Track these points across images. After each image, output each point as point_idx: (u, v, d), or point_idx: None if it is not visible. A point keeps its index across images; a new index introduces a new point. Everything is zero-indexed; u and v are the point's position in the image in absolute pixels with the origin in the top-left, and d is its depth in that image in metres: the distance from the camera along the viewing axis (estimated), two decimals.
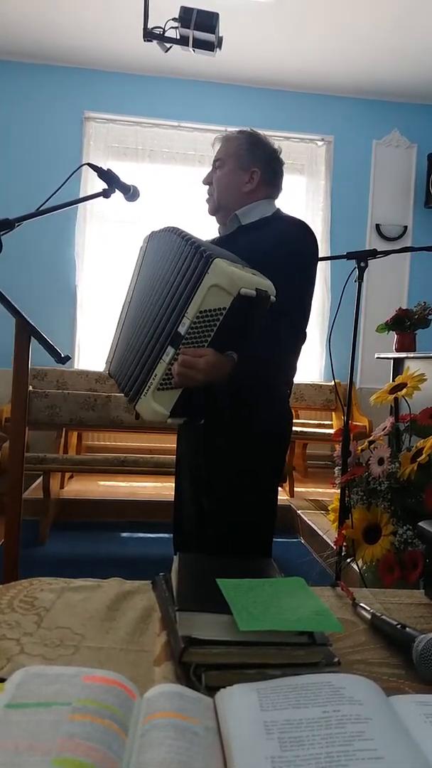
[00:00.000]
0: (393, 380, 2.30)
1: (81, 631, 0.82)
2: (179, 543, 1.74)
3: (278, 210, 1.64)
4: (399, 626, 0.81)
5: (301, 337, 1.53)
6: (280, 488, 4.49)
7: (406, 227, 5.42)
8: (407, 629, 0.80)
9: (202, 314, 1.25)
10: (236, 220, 1.61)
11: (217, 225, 1.71)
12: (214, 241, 1.63)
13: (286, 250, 1.47)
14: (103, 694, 0.57)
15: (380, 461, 1.98)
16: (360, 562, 1.93)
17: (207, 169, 1.70)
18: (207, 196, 1.68)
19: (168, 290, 1.34)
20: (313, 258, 1.54)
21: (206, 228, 1.75)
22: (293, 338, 1.50)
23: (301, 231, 1.54)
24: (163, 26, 2.99)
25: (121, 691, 0.58)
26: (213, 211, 1.68)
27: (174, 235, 1.40)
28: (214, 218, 1.71)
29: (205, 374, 1.25)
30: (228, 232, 1.64)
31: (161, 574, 0.91)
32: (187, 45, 2.99)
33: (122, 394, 1.46)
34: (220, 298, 1.23)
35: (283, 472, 1.66)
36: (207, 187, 1.68)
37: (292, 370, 1.59)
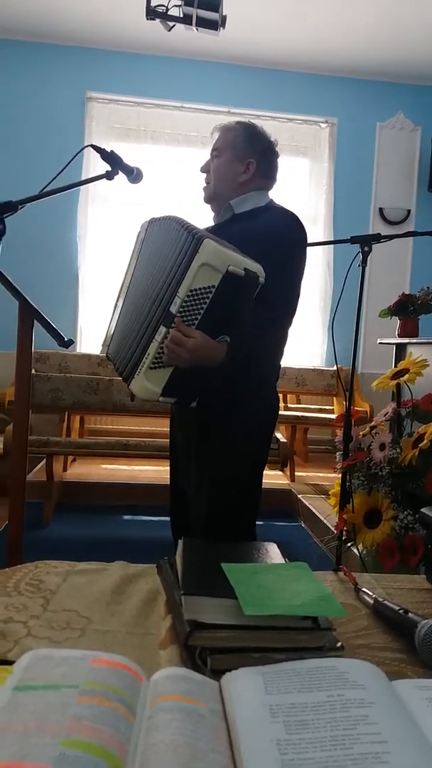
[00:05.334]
0: (395, 365, 2.30)
1: (87, 614, 0.82)
2: (176, 525, 1.78)
3: (271, 201, 1.69)
4: (401, 611, 0.82)
5: (287, 325, 1.58)
6: (281, 472, 4.51)
7: (409, 211, 5.38)
8: (409, 614, 0.81)
9: (193, 293, 1.30)
10: (230, 209, 1.66)
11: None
12: (208, 230, 1.65)
13: (275, 238, 1.53)
14: (111, 676, 0.57)
15: (381, 446, 1.99)
16: (360, 547, 1.94)
17: (209, 151, 1.72)
18: (204, 184, 1.72)
19: (163, 273, 1.39)
20: (301, 246, 1.60)
21: (205, 212, 1.77)
22: (279, 323, 1.55)
23: (290, 221, 1.59)
24: (166, 4, 2.95)
25: (128, 674, 0.59)
26: (208, 200, 1.72)
27: (173, 222, 1.45)
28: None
29: (192, 354, 1.32)
30: (221, 220, 1.69)
31: (166, 557, 0.92)
32: (191, 24, 2.95)
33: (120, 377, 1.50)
34: (210, 276, 1.29)
35: (268, 455, 1.72)
36: (204, 174, 1.71)
37: (279, 354, 1.65)
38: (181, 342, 1.31)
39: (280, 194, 1.75)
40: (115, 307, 1.68)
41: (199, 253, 1.28)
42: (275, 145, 1.71)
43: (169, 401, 1.42)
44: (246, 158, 1.65)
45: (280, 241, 1.53)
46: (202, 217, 1.73)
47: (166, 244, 1.45)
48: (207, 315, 1.32)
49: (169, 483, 1.81)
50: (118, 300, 1.67)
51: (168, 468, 1.82)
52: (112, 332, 1.66)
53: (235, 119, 1.75)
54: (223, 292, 1.31)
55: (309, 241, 1.64)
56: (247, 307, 1.36)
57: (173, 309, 1.32)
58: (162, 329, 1.34)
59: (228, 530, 1.54)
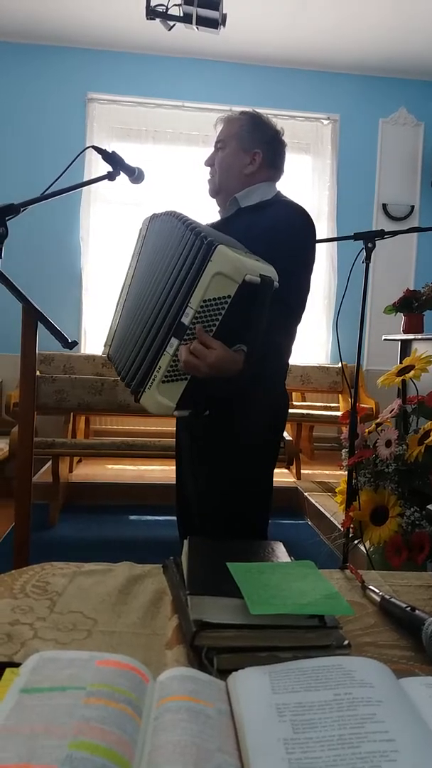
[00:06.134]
0: (400, 362, 2.29)
1: (93, 615, 0.83)
2: (183, 524, 1.76)
3: (278, 193, 1.63)
4: (408, 609, 0.82)
5: (296, 322, 1.53)
6: (287, 470, 4.50)
7: (413, 207, 5.36)
8: (417, 612, 0.80)
9: (206, 303, 1.21)
10: (235, 203, 1.61)
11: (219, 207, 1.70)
12: (214, 224, 1.62)
13: (282, 233, 1.47)
14: (117, 678, 0.57)
15: (387, 443, 1.98)
16: (367, 544, 1.94)
17: (211, 149, 1.68)
18: (209, 177, 1.67)
19: (169, 277, 1.32)
20: (309, 242, 1.54)
21: (209, 210, 1.74)
22: (289, 322, 1.49)
23: (297, 215, 1.53)
24: (166, 4, 2.95)
25: (134, 675, 0.59)
26: (214, 193, 1.67)
27: (175, 220, 1.38)
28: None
29: (213, 369, 1.23)
30: (227, 214, 1.64)
31: (172, 557, 0.92)
32: (191, 23, 2.95)
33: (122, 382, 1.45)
34: (225, 286, 1.19)
35: (278, 454, 1.67)
36: (209, 168, 1.67)
37: (288, 353, 1.60)
38: (202, 355, 1.22)
39: (283, 191, 1.71)
40: (117, 306, 1.65)
41: (212, 261, 1.19)
42: (282, 134, 1.65)
43: (184, 414, 1.32)
44: (252, 149, 1.59)
45: (287, 236, 1.47)
46: (206, 213, 1.70)
47: (168, 243, 1.38)
48: (222, 326, 1.23)
49: (175, 483, 1.79)
50: (119, 299, 1.64)
51: (173, 468, 1.81)
52: (113, 332, 1.62)
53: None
54: (239, 302, 1.21)
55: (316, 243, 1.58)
56: (264, 314, 1.27)
57: (185, 320, 1.23)
58: (174, 341, 1.25)
59: (238, 532, 1.50)
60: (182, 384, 1.28)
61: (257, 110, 1.68)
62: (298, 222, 1.52)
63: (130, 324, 1.50)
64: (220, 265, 1.18)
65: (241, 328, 1.26)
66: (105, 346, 1.66)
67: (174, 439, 1.81)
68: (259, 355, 1.32)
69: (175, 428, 1.81)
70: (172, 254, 1.33)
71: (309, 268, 1.53)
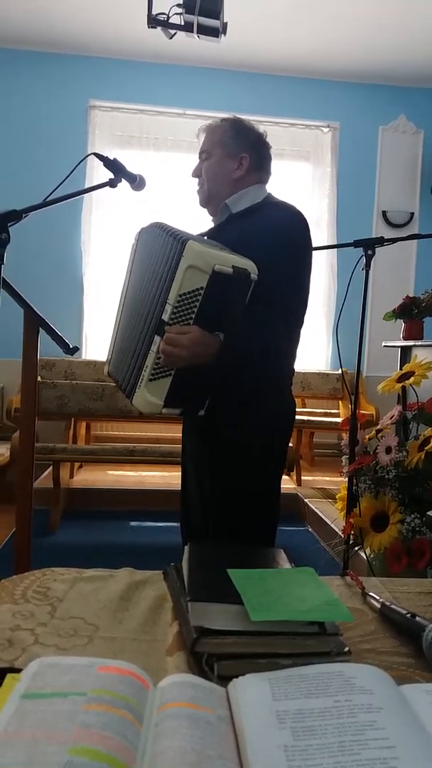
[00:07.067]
0: (400, 368, 2.29)
1: (94, 621, 0.83)
2: (187, 532, 1.75)
3: (269, 195, 1.63)
4: (408, 615, 0.82)
5: (297, 324, 1.52)
6: (287, 477, 4.50)
7: (412, 214, 5.38)
8: (417, 618, 0.80)
9: (182, 297, 1.28)
10: (227, 209, 1.60)
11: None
12: (207, 232, 1.62)
13: (275, 236, 1.47)
14: (118, 684, 0.57)
15: (388, 450, 1.98)
16: (368, 551, 1.94)
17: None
18: (197, 188, 1.67)
19: (153, 284, 1.37)
20: (303, 242, 1.53)
21: (207, 218, 1.74)
22: (288, 325, 1.49)
23: (290, 216, 1.53)
24: (167, 12, 2.97)
25: (135, 681, 0.59)
26: (204, 203, 1.67)
27: (158, 230, 1.42)
28: None
29: (190, 351, 1.28)
30: (219, 222, 1.63)
31: (172, 564, 0.92)
32: (192, 31, 2.97)
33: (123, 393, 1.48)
34: (197, 278, 1.27)
35: (285, 461, 1.66)
36: (197, 179, 1.66)
37: (292, 357, 1.59)
38: (176, 342, 1.28)
39: (284, 199, 1.71)
40: (114, 323, 1.66)
41: (183, 256, 1.26)
42: (265, 136, 1.65)
43: (174, 412, 1.37)
44: (238, 153, 1.59)
45: (280, 239, 1.46)
46: (206, 221, 1.70)
47: (153, 254, 1.42)
48: (198, 316, 1.30)
49: (179, 489, 1.78)
50: (116, 315, 1.65)
51: (175, 473, 1.80)
52: (111, 350, 1.63)
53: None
54: (213, 293, 1.28)
55: (313, 245, 1.57)
56: (239, 305, 1.33)
57: (165, 317, 1.30)
58: (157, 339, 1.31)
59: (244, 539, 1.49)
60: (167, 380, 1.33)
61: (256, 121, 1.69)
62: (291, 222, 1.51)
63: (125, 337, 1.53)
64: (192, 259, 1.26)
65: (216, 318, 1.32)
66: (105, 364, 1.66)
67: (174, 445, 1.81)
68: (240, 346, 1.35)
69: (175, 434, 1.81)
70: (155, 261, 1.39)
71: (305, 267, 1.52)
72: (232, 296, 1.31)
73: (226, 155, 1.60)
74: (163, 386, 1.34)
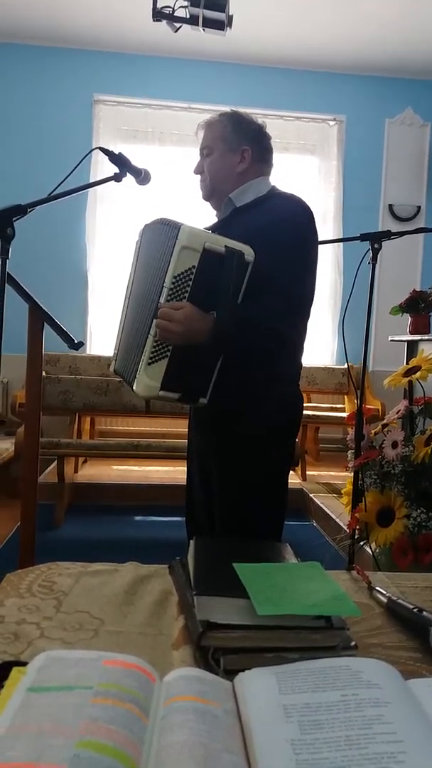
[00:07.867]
0: (407, 363, 2.28)
1: (99, 615, 0.83)
2: (191, 528, 1.75)
3: (273, 187, 1.62)
4: (415, 610, 0.81)
5: (304, 315, 1.52)
6: (292, 472, 4.51)
7: (419, 207, 5.35)
8: (424, 613, 0.80)
9: (177, 278, 1.32)
10: (230, 203, 1.60)
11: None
12: (212, 227, 1.62)
13: (280, 228, 1.47)
14: (124, 677, 0.57)
15: (394, 444, 1.97)
16: (373, 545, 1.93)
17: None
18: (200, 183, 1.66)
19: (155, 275, 1.40)
20: (308, 233, 1.52)
21: (212, 212, 1.73)
22: (293, 314, 1.48)
23: (295, 207, 1.52)
24: (172, 5, 2.96)
25: (141, 675, 0.59)
26: (207, 196, 1.66)
27: (160, 224, 1.44)
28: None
29: (183, 326, 1.32)
30: (224, 216, 1.63)
31: (178, 558, 0.92)
32: (197, 24, 2.95)
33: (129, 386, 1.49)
34: (190, 258, 1.31)
35: (294, 456, 1.66)
36: (199, 176, 1.66)
37: (299, 350, 1.58)
38: (170, 316, 1.31)
39: (290, 192, 1.70)
40: (120, 321, 1.66)
41: (178, 239, 1.30)
42: (264, 127, 1.65)
43: (172, 396, 1.38)
44: (240, 147, 1.58)
45: (285, 231, 1.46)
46: (212, 214, 1.69)
47: (154, 247, 1.44)
48: (192, 294, 1.33)
49: (184, 484, 1.77)
50: (122, 313, 1.65)
51: (179, 468, 1.79)
52: (117, 347, 1.63)
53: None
54: (205, 270, 1.32)
55: (319, 239, 1.57)
56: (233, 285, 1.35)
57: (162, 300, 1.34)
58: (154, 323, 1.35)
59: (252, 533, 1.49)
60: (164, 362, 1.36)
61: (262, 115, 1.68)
62: (296, 213, 1.51)
63: (131, 331, 1.54)
64: (185, 240, 1.31)
65: (210, 297, 1.35)
66: (112, 360, 1.66)
67: (179, 441, 1.81)
68: (234, 327, 1.36)
69: (180, 429, 1.80)
70: (157, 254, 1.41)
71: (311, 258, 1.52)
72: (225, 274, 1.34)
73: (228, 150, 1.59)
74: (160, 368, 1.36)
